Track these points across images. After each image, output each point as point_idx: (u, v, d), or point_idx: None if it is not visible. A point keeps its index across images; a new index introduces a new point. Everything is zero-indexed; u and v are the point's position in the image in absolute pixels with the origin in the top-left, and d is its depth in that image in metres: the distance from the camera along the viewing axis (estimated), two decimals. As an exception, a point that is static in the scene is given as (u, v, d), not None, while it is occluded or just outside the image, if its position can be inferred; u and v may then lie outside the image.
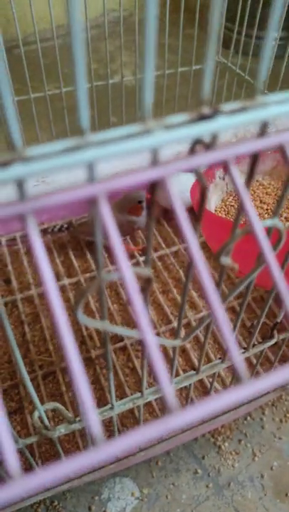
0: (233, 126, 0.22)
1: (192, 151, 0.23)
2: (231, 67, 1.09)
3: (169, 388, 0.18)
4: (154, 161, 0.21)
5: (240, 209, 0.24)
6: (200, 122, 0.21)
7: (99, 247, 0.23)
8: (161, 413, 0.81)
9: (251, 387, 0.19)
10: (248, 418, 0.89)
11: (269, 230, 0.35)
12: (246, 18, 0.99)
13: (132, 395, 0.83)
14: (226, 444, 0.86)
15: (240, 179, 0.22)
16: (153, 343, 0.20)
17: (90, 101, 1.02)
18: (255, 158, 0.24)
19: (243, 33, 1.04)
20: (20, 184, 0.19)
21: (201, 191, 0.24)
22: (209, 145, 0.22)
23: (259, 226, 0.22)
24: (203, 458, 0.84)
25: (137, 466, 0.83)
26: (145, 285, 0.28)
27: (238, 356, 0.20)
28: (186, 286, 0.31)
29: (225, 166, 0.22)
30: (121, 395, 0.83)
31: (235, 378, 0.57)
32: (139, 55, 1.11)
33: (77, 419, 0.43)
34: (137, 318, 0.21)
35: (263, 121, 0.22)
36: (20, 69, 0.97)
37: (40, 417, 0.42)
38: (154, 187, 0.21)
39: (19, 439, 0.43)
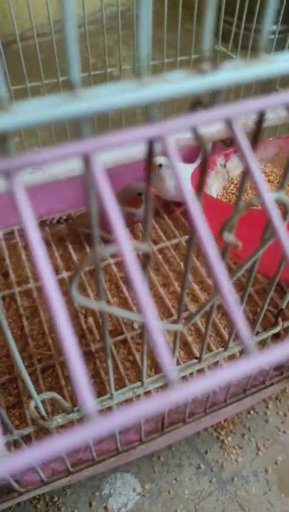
0: (236, 81, 0.20)
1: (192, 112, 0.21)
2: (231, 56, 1.08)
3: (169, 360, 0.17)
4: (151, 117, 0.19)
5: (245, 175, 0.23)
6: (200, 77, 0.19)
7: (93, 213, 0.21)
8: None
9: (259, 358, 0.17)
10: (252, 412, 0.88)
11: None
12: (245, 11, 0.98)
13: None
14: (229, 438, 0.84)
15: (245, 140, 0.20)
16: (154, 323, 0.19)
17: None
18: (261, 118, 0.22)
19: (242, 27, 1.02)
20: (3, 139, 0.17)
21: (202, 157, 0.22)
22: (210, 104, 0.21)
23: (266, 192, 0.20)
24: (206, 452, 0.83)
25: (139, 461, 0.81)
26: (144, 261, 0.27)
27: (244, 328, 0.18)
28: (188, 256, 0.30)
29: (228, 124, 0.20)
30: (121, 389, 0.81)
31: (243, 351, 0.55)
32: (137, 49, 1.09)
33: (75, 408, 0.42)
34: (137, 295, 0.20)
35: (268, 77, 0.21)
36: (18, 64, 0.95)
37: (36, 408, 0.40)
38: (151, 146, 0.20)
39: (15, 429, 0.42)
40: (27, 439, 0.74)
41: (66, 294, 0.97)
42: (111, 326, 0.91)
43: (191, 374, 0.46)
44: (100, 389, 0.82)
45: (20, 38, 0.95)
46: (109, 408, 0.48)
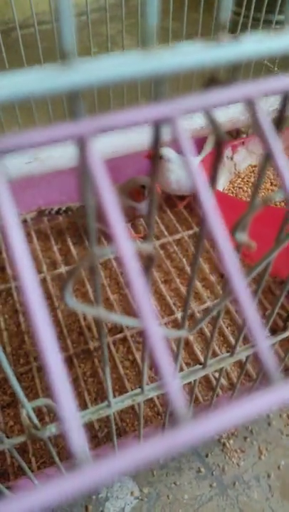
0: (259, 53, 0.17)
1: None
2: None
3: (176, 390, 0.14)
4: (158, 95, 0.16)
5: (266, 162, 0.20)
6: (218, 48, 0.16)
7: (89, 206, 0.18)
8: (162, 408, 0.76)
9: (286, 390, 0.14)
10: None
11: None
12: (253, 1, 0.94)
13: (131, 389, 0.79)
14: (231, 441, 0.82)
15: (267, 121, 0.17)
16: (156, 333, 0.16)
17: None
18: (285, 98, 0.19)
19: (251, 17, 0.99)
20: None
21: (216, 143, 0.19)
22: (227, 82, 0.17)
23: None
24: (206, 456, 0.80)
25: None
26: (147, 264, 0.24)
27: (266, 346, 0.15)
28: (196, 262, 0.27)
29: (249, 104, 0.17)
30: (120, 389, 0.79)
31: (263, 374, 0.52)
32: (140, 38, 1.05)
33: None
34: (138, 302, 0.17)
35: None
36: (18, 52, 0.92)
37: (28, 415, 0.37)
38: (158, 130, 0.17)
39: (5, 438, 0.39)
40: (24, 445, 0.71)
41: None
42: (110, 324, 0.88)
43: (195, 381, 0.43)
44: (98, 389, 0.79)
45: (22, 25, 0.92)
46: (107, 418, 0.45)
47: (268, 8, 0.94)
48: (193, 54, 0.16)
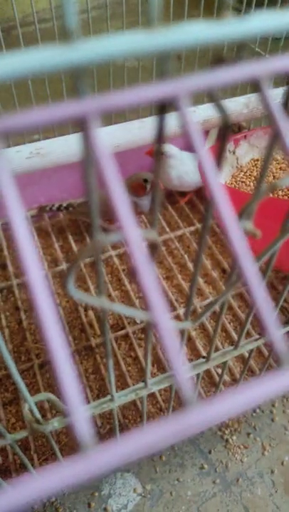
0: (265, 31, 0.16)
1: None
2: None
3: (184, 375, 0.13)
4: (163, 73, 0.15)
5: (273, 141, 0.19)
6: (224, 25, 0.16)
7: (91, 194, 0.18)
8: (165, 404, 0.76)
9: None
10: (257, 410, 0.84)
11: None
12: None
13: (133, 385, 0.79)
14: (234, 437, 0.81)
15: (275, 102, 0.17)
16: (165, 321, 0.15)
17: (90, 82, 0.96)
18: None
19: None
20: None
21: (222, 125, 0.19)
22: (234, 60, 0.17)
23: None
24: (209, 452, 0.80)
25: (140, 460, 0.78)
26: (151, 251, 0.23)
27: (277, 332, 0.15)
28: (199, 256, 0.26)
29: (256, 83, 0.16)
30: (122, 386, 0.78)
31: (276, 360, 0.52)
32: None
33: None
34: (145, 291, 0.16)
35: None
36: (20, 50, 0.91)
37: (31, 410, 0.37)
38: (163, 110, 0.16)
39: (7, 433, 0.38)
40: (25, 442, 0.71)
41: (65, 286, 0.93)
42: (112, 321, 0.88)
43: (198, 375, 0.43)
44: (100, 385, 0.79)
45: (22, 23, 0.91)
46: (110, 412, 0.44)
47: (269, 4, 0.94)
48: (199, 31, 0.15)
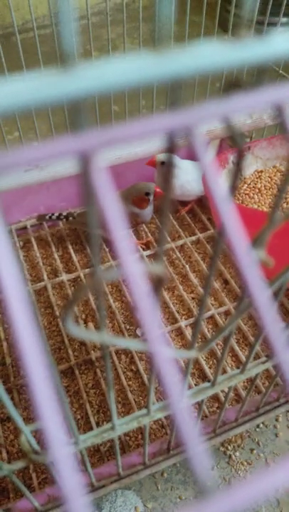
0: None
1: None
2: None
3: (199, 452, 0.12)
4: (173, 102, 0.14)
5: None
6: (242, 48, 0.14)
7: (93, 229, 0.16)
8: (167, 421, 0.74)
9: None
10: (261, 425, 0.82)
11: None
12: (258, 4, 0.92)
13: (134, 400, 0.77)
14: (237, 453, 0.79)
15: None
16: (166, 363, 0.14)
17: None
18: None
19: (254, 21, 0.96)
20: None
21: (237, 154, 0.17)
22: (251, 84, 0.15)
23: None
24: (212, 469, 0.78)
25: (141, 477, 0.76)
26: (156, 285, 0.21)
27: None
28: (209, 279, 0.24)
29: (278, 110, 0.15)
30: (123, 401, 0.76)
31: (273, 387, 0.50)
32: (142, 42, 1.03)
33: (72, 440, 0.37)
34: (147, 330, 0.15)
35: None
36: (17, 57, 0.89)
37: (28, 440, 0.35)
38: (172, 140, 0.15)
39: (4, 464, 0.36)
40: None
41: (66, 297, 0.92)
42: (112, 331, 0.86)
43: (202, 401, 0.41)
44: (101, 401, 0.77)
45: (22, 29, 0.90)
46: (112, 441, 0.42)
47: (261, 10, 0.92)
48: (214, 54, 0.14)
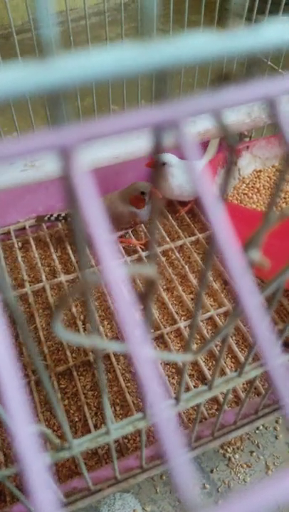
0: (281, 42, 0.14)
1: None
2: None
3: (184, 467, 0.11)
4: (160, 94, 0.13)
5: (286, 166, 0.17)
6: (234, 37, 0.13)
7: (77, 229, 0.15)
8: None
9: None
10: (261, 427, 0.82)
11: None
12: (257, 3, 0.91)
13: (133, 402, 0.76)
14: (237, 456, 0.78)
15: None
16: (150, 371, 0.13)
17: (88, 87, 0.94)
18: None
19: (253, 20, 0.96)
20: None
21: (229, 149, 0.16)
22: (244, 77, 0.15)
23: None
24: (211, 471, 0.77)
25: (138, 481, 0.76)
26: (147, 288, 0.21)
27: (280, 373, 0.12)
28: (204, 276, 0.24)
29: (270, 105, 0.14)
30: (121, 403, 0.76)
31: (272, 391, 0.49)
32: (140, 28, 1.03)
33: (66, 445, 0.36)
34: (128, 337, 0.14)
35: None
36: (15, 58, 0.89)
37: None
38: (159, 136, 0.14)
39: (-4, 469, 0.36)
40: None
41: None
42: (111, 334, 0.85)
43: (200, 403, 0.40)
44: (99, 403, 0.76)
45: (21, 30, 0.89)
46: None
47: (272, 8, 0.91)
48: (203, 44, 0.13)
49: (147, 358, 0.13)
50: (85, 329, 0.86)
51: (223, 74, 0.15)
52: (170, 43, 0.13)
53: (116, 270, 0.13)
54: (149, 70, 0.12)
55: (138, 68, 0.12)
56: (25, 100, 0.86)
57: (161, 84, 0.13)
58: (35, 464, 0.11)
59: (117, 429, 0.36)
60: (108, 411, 0.33)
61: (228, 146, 0.16)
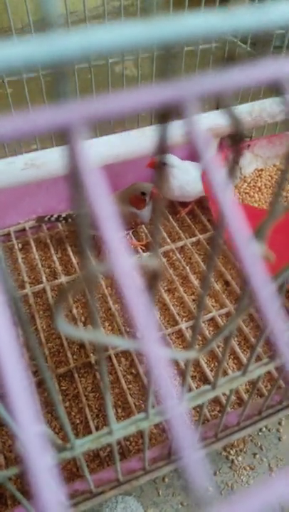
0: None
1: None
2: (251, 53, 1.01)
3: (198, 468, 0.10)
4: (165, 72, 0.13)
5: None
6: (238, 16, 0.13)
7: (81, 213, 0.15)
8: (168, 425, 0.73)
9: None
10: (264, 429, 0.81)
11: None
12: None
13: (135, 404, 0.75)
14: (240, 458, 0.78)
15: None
16: (163, 365, 0.13)
17: (88, 90, 0.93)
18: None
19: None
20: None
21: (234, 137, 0.16)
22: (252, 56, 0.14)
23: None
24: (214, 474, 0.76)
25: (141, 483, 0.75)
26: (151, 281, 0.20)
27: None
28: (207, 278, 0.23)
29: (278, 86, 0.13)
30: (123, 405, 0.75)
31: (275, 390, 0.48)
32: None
33: (68, 445, 0.35)
34: (141, 330, 0.14)
35: None
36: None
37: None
38: (166, 118, 0.13)
39: (-3, 470, 0.35)
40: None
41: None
42: (112, 334, 0.84)
43: (203, 403, 0.40)
44: (100, 404, 0.75)
45: (21, 32, 0.89)
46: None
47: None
48: (203, 22, 0.12)
49: (160, 352, 0.13)
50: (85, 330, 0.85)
51: (230, 55, 0.15)
52: (172, 20, 0.12)
53: (126, 260, 0.12)
54: (154, 45, 0.12)
55: (143, 43, 0.11)
56: (23, 89, 0.86)
57: (166, 62, 0.13)
58: (42, 463, 0.11)
59: (120, 429, 0.35)
60: (110, 410, 0.32)
61: (234, 129, 0.15)
